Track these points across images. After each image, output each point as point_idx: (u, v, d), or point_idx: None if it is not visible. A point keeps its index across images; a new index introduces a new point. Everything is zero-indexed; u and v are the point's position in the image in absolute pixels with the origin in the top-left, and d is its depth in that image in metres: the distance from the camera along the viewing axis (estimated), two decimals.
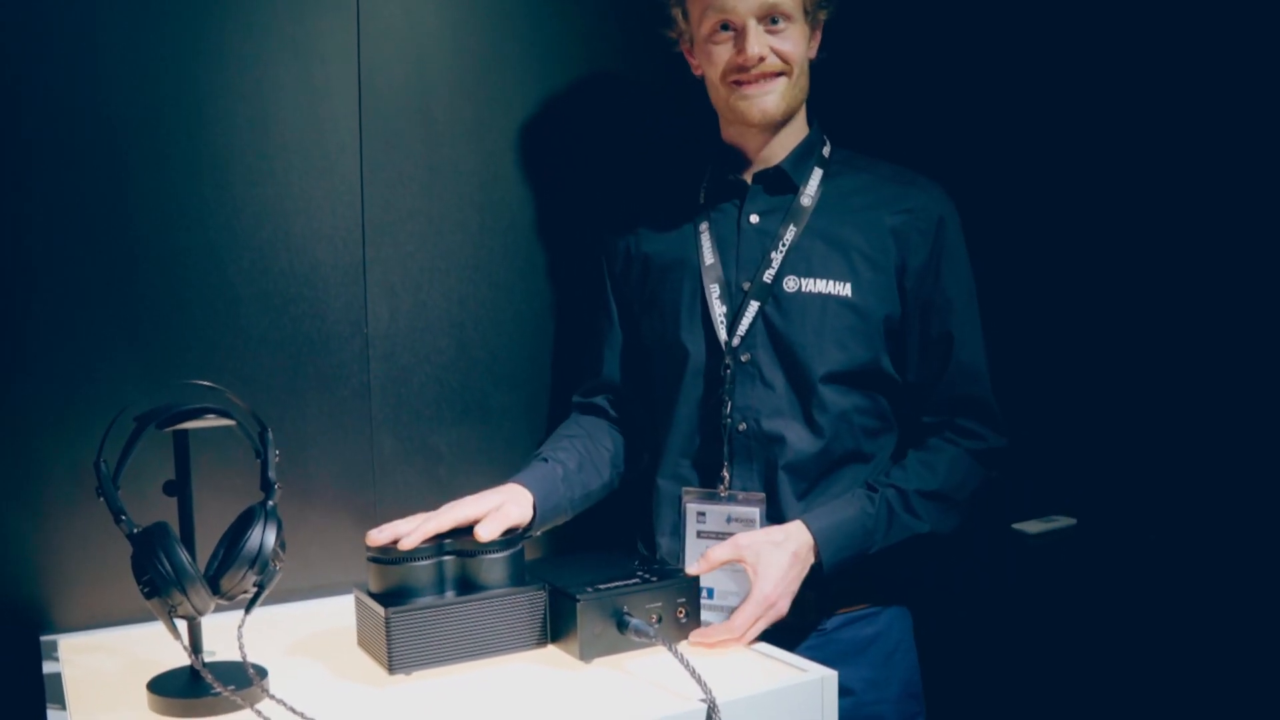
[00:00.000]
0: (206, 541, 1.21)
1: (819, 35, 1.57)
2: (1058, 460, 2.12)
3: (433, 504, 1.70)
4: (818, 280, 1.51)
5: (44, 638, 1.44)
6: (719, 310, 1.55)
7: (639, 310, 1.67)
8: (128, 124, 1.48)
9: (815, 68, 1.59)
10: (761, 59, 1.48)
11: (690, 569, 1.39)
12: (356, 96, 1.64)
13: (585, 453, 1.63)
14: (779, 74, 1.51)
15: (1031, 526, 2.06)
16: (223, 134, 1.55)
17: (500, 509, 1.39)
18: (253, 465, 1.45)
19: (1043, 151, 2.13)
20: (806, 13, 1.51)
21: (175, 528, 1.16)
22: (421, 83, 1.70)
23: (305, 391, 1.62)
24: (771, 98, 1.51)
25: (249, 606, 1.18)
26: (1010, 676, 2.07)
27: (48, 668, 1.32)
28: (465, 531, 1.35)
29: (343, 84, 1.63)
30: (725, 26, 1.50)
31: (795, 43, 1.50)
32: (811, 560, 1.41)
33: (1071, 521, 2.07)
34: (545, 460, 1.58)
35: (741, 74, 1.51)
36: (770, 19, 1.48)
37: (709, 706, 1.14)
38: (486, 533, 1.33)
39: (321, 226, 1.62)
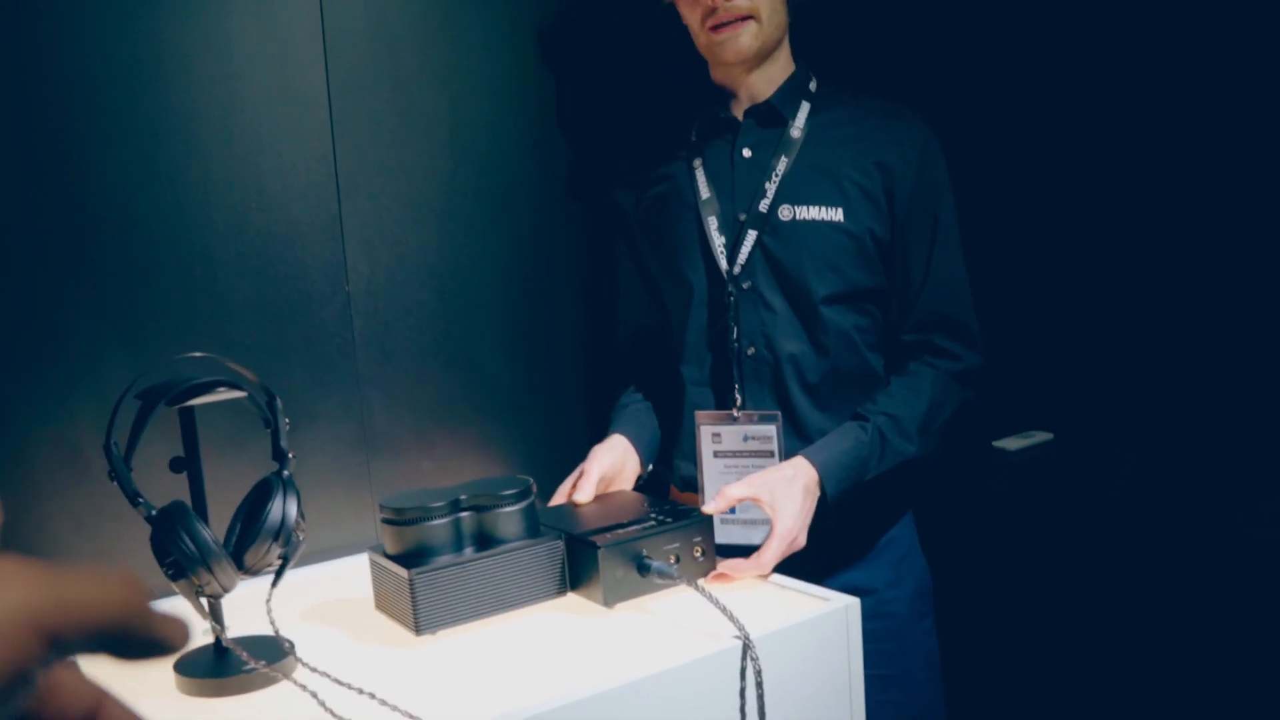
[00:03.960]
0: (212, 517, 1.18)
1: None
2: (1034, 377, 2.16)
3: (424, 461, 1.69)
4: (811, 207, 1.56)
5: None
6: (718, 241, 1.60)
7: (647, 252, 1.71)
8: (84, 84, 1.41)
9: (803, 9, 1.62)
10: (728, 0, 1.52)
11: (707, 508, 1.39)
12: (321, 44, 1.58)
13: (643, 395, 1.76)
14: (747, 17, 1.53)
15: (1011, 443, 2.10)
16: (185, 88, 1.48)
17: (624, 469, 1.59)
18: (245, 435, 1.43)
19: (1026, 75, 2.13)
20: None
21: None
22: (386, 26, 1.64)
23: (289, 353, 1.58)
24: (744, 38, 1.55)
25: (276, 579, 1.16)
26: (998, 589, 2.12)
27: None
28: (476, 486, 1.34)
29: (307, 32, 1.57)
30: None
31: None
32: (818, 493, 1.46)
33: (1049, 436, 2.12)
34: (626, 406, 1.72)
35: (713, 18, 1.54)
36: None
37: (744, 643, 1.15)
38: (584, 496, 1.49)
39: (295, 182, 1.57)
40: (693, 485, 1.62)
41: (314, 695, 1.04)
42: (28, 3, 1.36)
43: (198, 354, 1.23)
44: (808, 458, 1.47)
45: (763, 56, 1.58)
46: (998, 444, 2.10)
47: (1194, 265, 1.88)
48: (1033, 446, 2.09)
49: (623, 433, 1.64)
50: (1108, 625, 2.00)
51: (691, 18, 1.58)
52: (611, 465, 1.57)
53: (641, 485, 1.62)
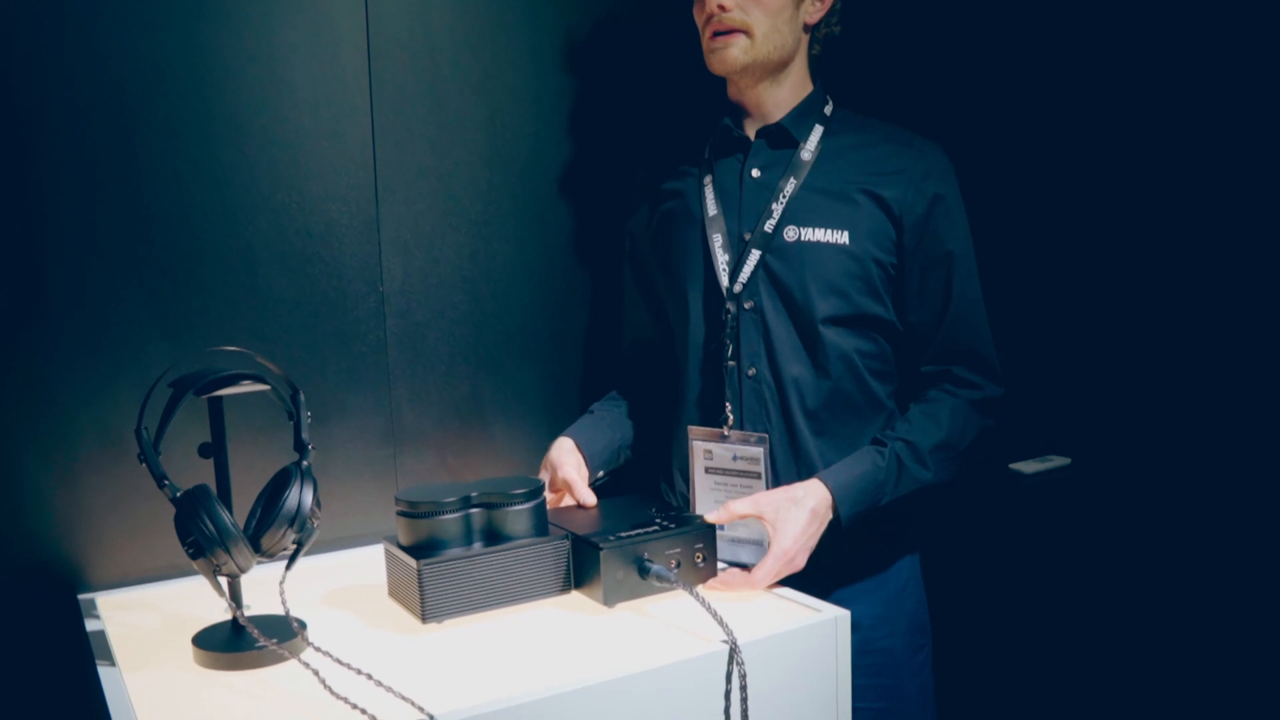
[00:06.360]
0: (238, 500, 1.26)
1: (819, 0, 1.60)
2: (1053, 401, 2.17)
3: (449, 456, 1.76)
4: (816, 229, 1.56)
5: (81, 596, 1.49)
6: (722, 259, 1.61)
7: (654, 268, 1.74)
8: (138, 89, 1.50)
9: (833, 37, 1.65)
10: (722, 9, 1.53)
11: (709, 517, 1.44)
12: (365, 54, 1.65)
13: (628, 403, 1.79)
14: (739, 31, 1.55)
15: (1028, 466, 2.11)
16: (234, 96, 1.56)
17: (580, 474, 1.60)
18: (277, 425, 1.50)
19: (1039, 105, 2.16)
20: None
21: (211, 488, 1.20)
22: (428, 38, 1.71)
23: (323, 349, 1.66)
24: (733, 50, 1.55)
25: (289, 563, 1.23)
26: (1008, 611, 2.14)
27: (91, 625, 1.37)
28: (488, 484, 1.40)
29: (351, 42, 1.64)
30: None
31: (763, 2, 1.54)
32: (830, 516, 1.47)
33: (1066, 461, 2.13)
34: (592, 413, 1.75)
35: (710, 25, 1.57)
36: None
37: (731, 647, 1.19)
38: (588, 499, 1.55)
39: (335, 186, 1.64)
40: (688, 501, 1.65)
41: (316, 673, 1.11)
42: (91, 16, 1.46)
43: (231, 348, 1.30)
44: (823, 480, 1.48)
45: (758, 74, 1.59)
46: (1014, 466, 2.12)
47: (1215, 290, 1.89)
48: (1050, 470, 2.10)
49: (571, 436, 1.66)
50: (1121, 654, 2.00)
51: (699, 25, 1.60)
52: (576, 466, 1.60)
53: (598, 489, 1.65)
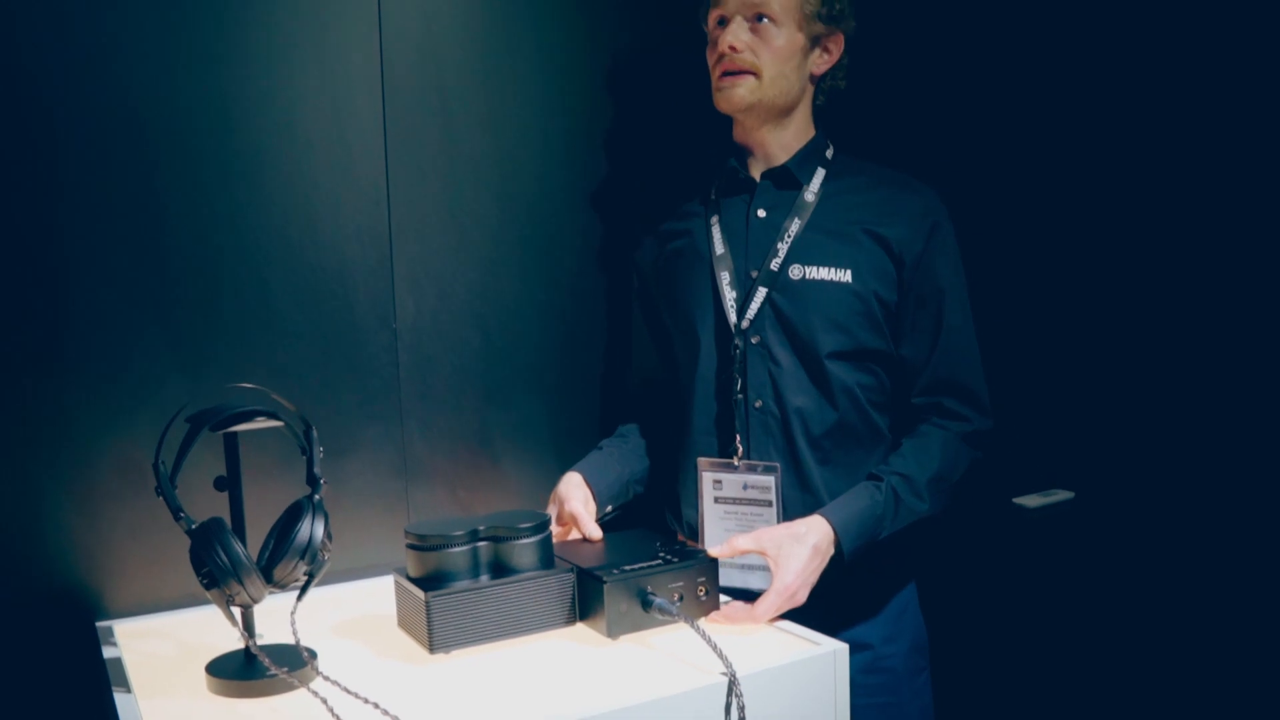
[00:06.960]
0: (253, 532, 1.29)
1: (826, 53, 1.68)
2: (1056, 435, 2.19)
3: (459, 490, 1.80)
4: (821, 268, 1.63)
5: (99, 623, 1.52)
6: (729, 296, 1.66)
7: (661, 304, 1.79)
8: (156, 129, 1.55)
9: (838, 91, 1.74)
10: (734, 50, 1.62)
11: (713, 552, 1.47)
12: (380, 96, 1.70)
13: (637, 438, 1.83)
14: (749, 72, 1.63)
15: (1031, 500, 2.13)
16: (250, 136, 1.61)
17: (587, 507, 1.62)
18: (291, 459, 1.54)
19: (1034, 135, 2.19)
20: (801, 26, 1.64)
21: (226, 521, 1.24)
22: (440, 79, 1.76)
23: (337, 384, 1.70)
24: (740, 90, 1.64)
25: (300, 594, 1.26)
26: (1009, 644, 2.15)
27: (108, 652, 1.40)
28: (496, 518, 1.44)
29: (365, 84, 1.69)
30: (721, 21, 1.66)
31: (773, 47, 1.62)
32: (832, 551, 1.51)
33: (1070, 495, 2.15)
34: (600, 449, 1.78)
35: (720, 64, 1.64)
36: (756, 17, 1.62)
37: (730, 679, 1.22)
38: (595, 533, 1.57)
39: (348, 224, 1.69)
40: (696, 531, 1.69)
41: (325, 702, 1.14)
42: (112, 60, 1.51)
43: (247, 385, 1.35)
44: (824, 516, 1.52)
45: (763, 115, 1.66)
46: (1017, 500, 2.13)
47: (1219, 325, 1.90)
48: (1053, 505, 2.12)
49: (580, 471, 1.68)
50: (1120, 689, 2.01)
51: (710, 65, 1.68)
52: (583, 500, 1.63)
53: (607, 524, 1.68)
